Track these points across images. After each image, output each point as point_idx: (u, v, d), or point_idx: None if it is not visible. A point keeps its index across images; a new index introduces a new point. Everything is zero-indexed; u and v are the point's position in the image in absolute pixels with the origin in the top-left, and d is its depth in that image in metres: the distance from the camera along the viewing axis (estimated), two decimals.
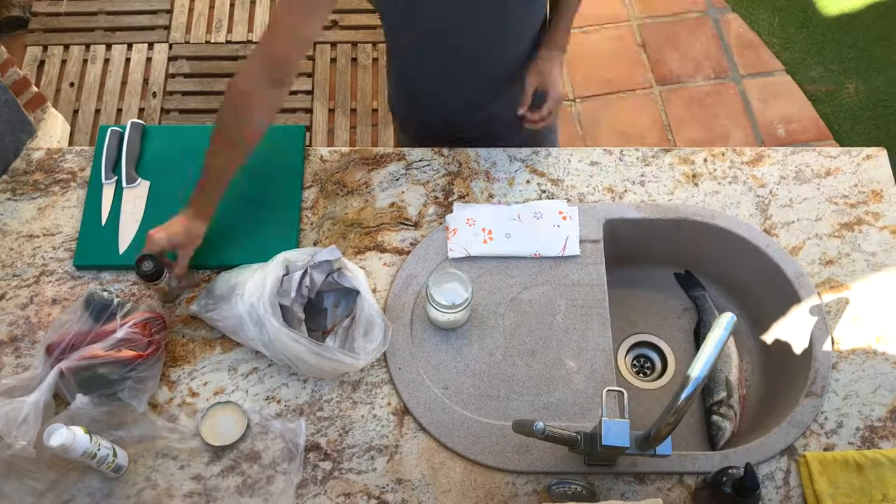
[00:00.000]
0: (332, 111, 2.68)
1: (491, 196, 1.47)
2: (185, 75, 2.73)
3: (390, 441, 1.26)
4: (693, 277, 1.56)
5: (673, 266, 1.58)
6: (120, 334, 1.23)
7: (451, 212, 1.44)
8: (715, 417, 1.40)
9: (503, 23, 1.34)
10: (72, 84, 2.69)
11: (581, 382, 1.31)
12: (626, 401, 1.13)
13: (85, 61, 2.74)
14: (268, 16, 2.85)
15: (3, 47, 2.27)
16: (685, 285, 1.57)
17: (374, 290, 1.37)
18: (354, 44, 2.81)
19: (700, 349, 0.98)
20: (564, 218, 1.42)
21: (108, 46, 2.77)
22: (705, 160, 1.51)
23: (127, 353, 1.23)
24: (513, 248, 1.39)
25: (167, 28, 2.81)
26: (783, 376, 1.42)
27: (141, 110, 2.66)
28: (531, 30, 1.41)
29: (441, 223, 1.44)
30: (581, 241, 1.41)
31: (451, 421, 1.27)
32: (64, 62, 2.73)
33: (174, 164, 1.47)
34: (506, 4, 1.31)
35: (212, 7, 2.86)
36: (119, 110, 2.66)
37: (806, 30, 2.86)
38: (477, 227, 1.40)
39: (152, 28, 2.81)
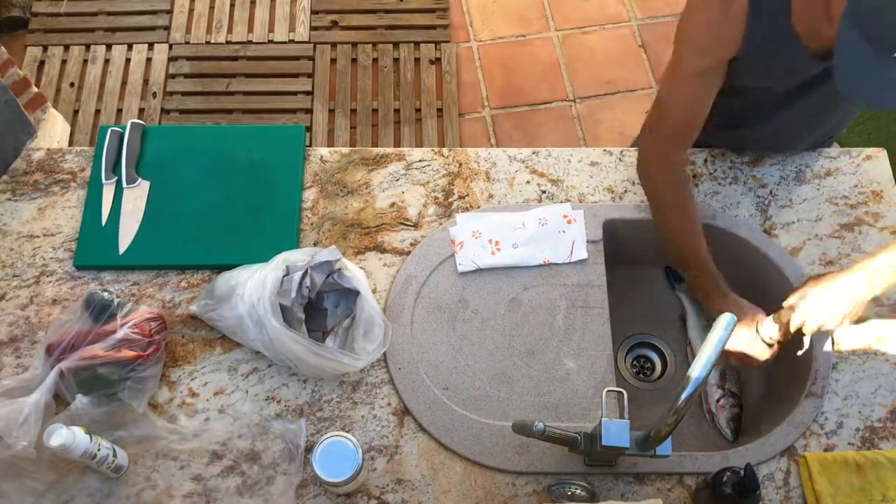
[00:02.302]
0: (332, 111, 2.68)
1: (491, 196, 1.47)
2: (186, 76, 2.73)
3: (390, 441, 1.26)
4: (675, 273, 1.56)
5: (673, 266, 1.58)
6: (120, 334, 1.23)
7: (452, 216, 1.44)
8: (726, 412, 1.40)
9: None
10: (72, 84, 2.69)
11: (581, 383, 1.31)
12: (625, 401, 1.13)
13: (85, 61, 2.74)
14: (268, 16, 2.85)
15: (3, 47, 2.27)
16: (669, 280, 1.58)
17: (374, 291, 1.37)
18: (354, 44, 2.81)
19: (700, 350, 0.98)
20: (569, 222, 1.42)
21: (109, 47, 2.77)
22: (705, 160, 1.51)
23: (127, 353, 1.23)
24: (521, 258, 1.39)
25: (167, 28, 2.81)
26: (783, 376, 1.42)
27: (141, 110, 2.66)
28: None
29: (441, 224, 1.44)
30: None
31: (451, 421, 1.27)
32: (64, 62, 2.73)
33: (174, 165, 1.47)
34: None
35: (212, 7, 2.86)
36: (119, 110, 2.66)
37: None
38: (483, 240, 1.40)
39: (152, 28, 2.81)
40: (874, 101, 1.02)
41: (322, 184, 1.48)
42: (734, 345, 1.26)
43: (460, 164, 1.50)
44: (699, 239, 1.31)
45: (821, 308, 1.20)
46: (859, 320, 1.25)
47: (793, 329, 1.23)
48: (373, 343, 1.25)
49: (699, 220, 1.32)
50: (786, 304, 1.24)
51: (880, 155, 1.52)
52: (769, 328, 1.24)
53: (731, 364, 1.32)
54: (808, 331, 1.22)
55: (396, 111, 2.68)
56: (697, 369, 0.97)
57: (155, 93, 2.69)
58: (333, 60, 2.78)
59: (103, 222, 1.41)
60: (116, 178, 1.44)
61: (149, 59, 2.75)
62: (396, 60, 2.78)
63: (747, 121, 1.41)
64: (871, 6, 0.92)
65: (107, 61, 2.74)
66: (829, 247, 1.43)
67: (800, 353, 1.26)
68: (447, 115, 2.68)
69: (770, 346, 1.25)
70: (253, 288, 1.23)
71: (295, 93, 2.70)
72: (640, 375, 1.52)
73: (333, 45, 2.80)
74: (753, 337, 1.26)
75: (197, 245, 1.39)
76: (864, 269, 1.20)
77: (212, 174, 1.46)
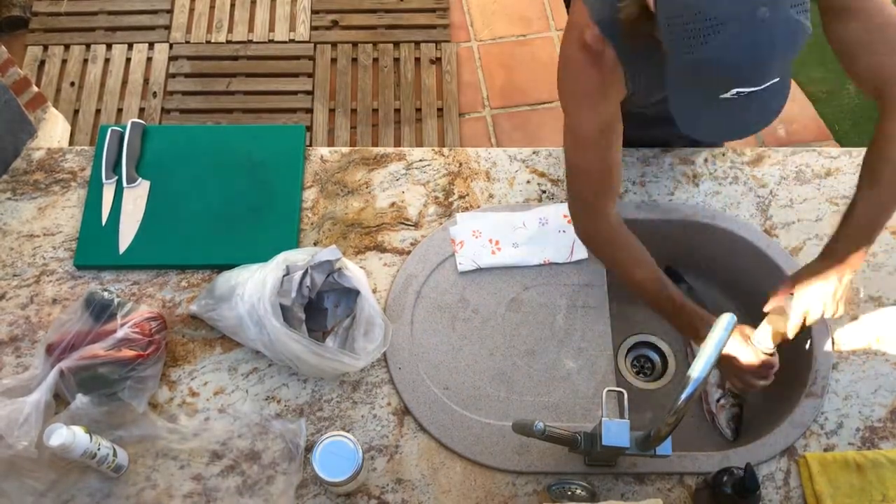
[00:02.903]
0: (332, 111, 2.68)
1: (491, 196, 1.47)
2: (186, 75, 2.72)
3: (390, 441, 1.26)
4: (676, 273, 1.56)
5: (673, 266, 1.58)
6: (120, 334, 1.23)
7: (452, 216, 1.44)
8: (726, 412, 1.40)
9: None
10: (72, 84, 2.69)
11: (581, 383, 1.31)
12: (626, 401, 1.13)
13: (85, 61, 2.74)
14: (268, 15, 2.84)
15: (3, 47, 2.26)
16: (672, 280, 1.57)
17: (374, 290, 1.37)
18: (355, 44, 2.80)
19: (700, 349, 0.98)
20: (570, 221, 1.42)
21: (109, 46, 2.77)
22: (706, 160, 1.51)
23: (127, 352, 1.23)
24: (521, 257, 1.39)
25: (168, 28, 2.81)
26: (783, 376, 1.41)
27: (141, 110, 2.66)
28: None
29: (441, 223, 1.44)
30: None
31: (451, 421, 1.27)
32: (64, 62, 2.73)
33: (174, 164, 1.47)
34: None
35: (212, 7, 2.85)
36: (119, 110, 2.66)
37: None
38: (483, 239, 1.40)
39: (153, 28, 2.81)
40: (715, 137, 1.11)
41: (322, 183, 1.48)
42: (738, 361, 1.20)
43: (460, 164, 1.50)
44: (663, 281, 1.25)
45: (815, 299, 1.15)
46: (850, 301, 1.23)
47: (793, 328, 1.17)
48: (373, 343, 1.25)
49: (654, 263, 1.26)
50: (769, 309, 1.20)
51: None
52: (763, 338, 1.19)
53: (737, 387, 1.26)
54: (812, 322, 1.17)
55: (397, 111, 2.68)
56: (697, 369, 0.97)
57: (155, 92, 2.68)
58: (334, 60, 2.77)
59: (103, 222, 1.41)
60: (117, 177, 1.44)
61: (149, 59, 2.75)
62: (397, 60, 2.78)
63: (664, 122, 1.39)
64: (688, 60, 0.93)
65: (107, 61, 2.74)
66: None
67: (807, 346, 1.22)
68: (447, 114, 2.67)
69: (770, 356, 1.20)
70: (253, 288, 1.23)
71: (295, 92, 2.70)
72: (640, 375, 1.52)
73: (334, 44, 2.80)
74: (752, 351, 1.20)
75: (197, 245, 1.39)
76: (835, 250, 1.16)
77: (212, 174, 1.46)
